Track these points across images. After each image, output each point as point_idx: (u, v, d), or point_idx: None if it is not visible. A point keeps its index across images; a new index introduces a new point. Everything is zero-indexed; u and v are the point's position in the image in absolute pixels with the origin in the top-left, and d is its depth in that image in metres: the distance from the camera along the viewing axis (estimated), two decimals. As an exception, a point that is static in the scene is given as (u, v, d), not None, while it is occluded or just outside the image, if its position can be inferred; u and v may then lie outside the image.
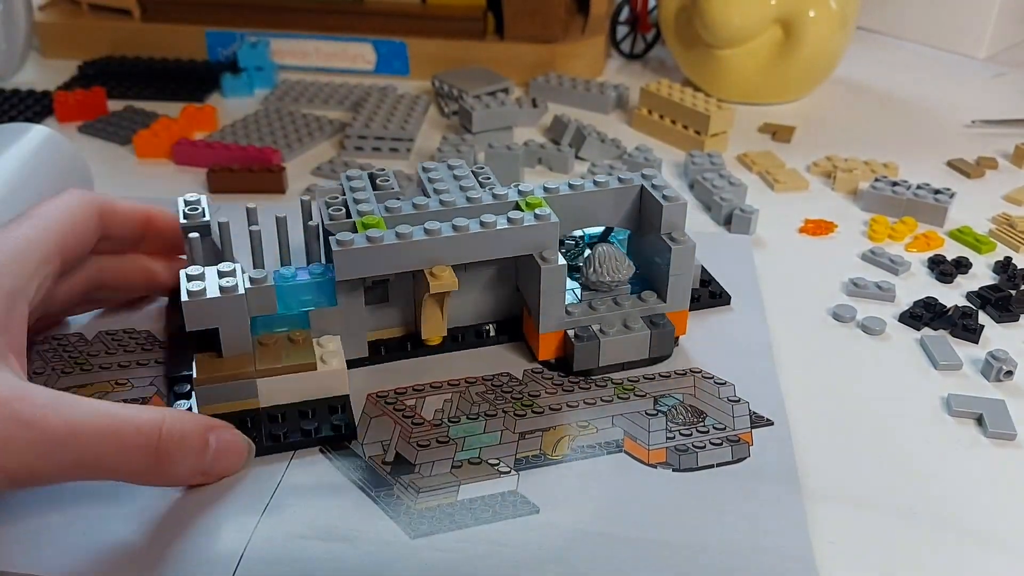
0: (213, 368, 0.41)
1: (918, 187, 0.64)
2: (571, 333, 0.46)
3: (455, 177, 0.48)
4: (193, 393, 0.42)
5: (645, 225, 0.48)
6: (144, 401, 0.44)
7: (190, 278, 0.40)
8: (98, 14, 0.90)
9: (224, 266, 0.41)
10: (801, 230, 0.62)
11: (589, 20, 0.90)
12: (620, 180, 0.48)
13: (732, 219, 0.61)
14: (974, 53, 0.95)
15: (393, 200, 0.46)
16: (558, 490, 0.40)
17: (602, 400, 0.45)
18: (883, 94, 0.86)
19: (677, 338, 0.49)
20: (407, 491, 0.39)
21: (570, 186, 0.47)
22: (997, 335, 0.52)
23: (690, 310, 0.49)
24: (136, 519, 0.38)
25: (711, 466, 0.41)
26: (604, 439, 0.43)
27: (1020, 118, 0.79)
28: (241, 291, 0.40)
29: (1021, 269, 0.57)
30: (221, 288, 0.40)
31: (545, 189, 0.47)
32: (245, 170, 0.65)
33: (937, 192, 0.64)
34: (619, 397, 0.45)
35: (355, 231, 0.44)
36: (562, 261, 0.45)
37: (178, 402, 0.44)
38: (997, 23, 0.94)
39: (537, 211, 0.45)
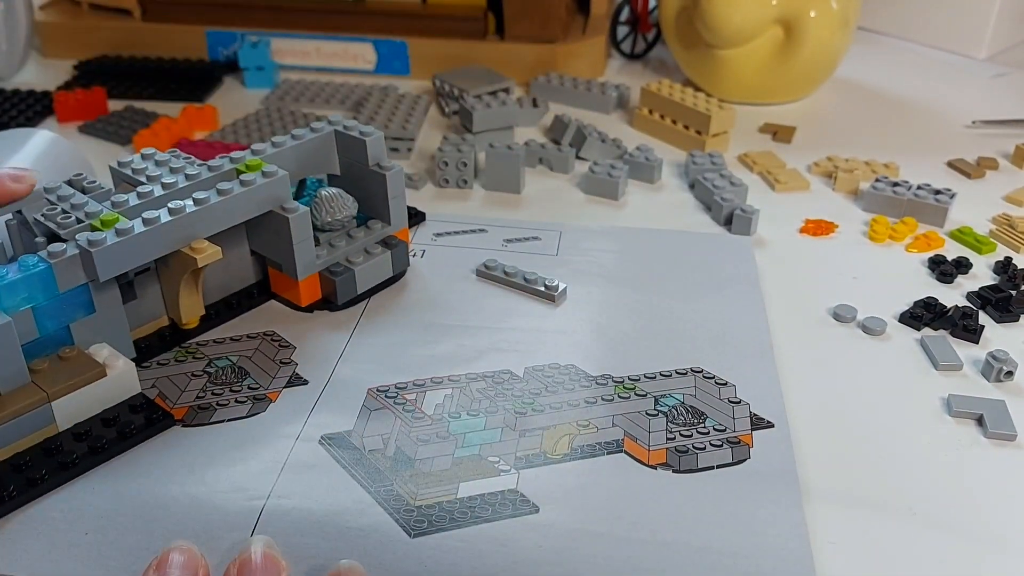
0: None
1: (919, 187, 0.64)
2: (327, 272, 0.50)
3: (157, 163, 0.49)
4: None
5: (346, 164, 0.53)
6: None
7: None
8: (98, 14, 0.90)
9: None
10: (802, 230, 0.62)
11: (590, 20, 0.90)
12: (313, 130, 0.52)
13: (733, 219, 0.61)
14: (974, 53, 0.95)
15: (118, 195, 0.45)
16: (558, 489, 0.40)
17: (602, 399, 0.45)
18: (884, 94, 0.86)
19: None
20: (407, 488, 0.39)
21: (273, 144, 0.50)
22: (997, 335, 0.52)
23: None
24: (133, 521, 0.38)
25: (711, 467, 0.41)
26: (604, 439, 0.43)
27: (1020, 118, 0.79)
28: (7, 319, 0.37)
29: (1021, 269, 0.57)
30: None
31: (252, 152, 0.49)
32: (245, 169, 0.65)
33: (938, 192, 0.64)
34: (619, 396, 0.45)
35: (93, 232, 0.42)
36: (304, 208, 0.48)
37: None
38: (997, 23, 0.94)
39: (264, 169, 0.47)
